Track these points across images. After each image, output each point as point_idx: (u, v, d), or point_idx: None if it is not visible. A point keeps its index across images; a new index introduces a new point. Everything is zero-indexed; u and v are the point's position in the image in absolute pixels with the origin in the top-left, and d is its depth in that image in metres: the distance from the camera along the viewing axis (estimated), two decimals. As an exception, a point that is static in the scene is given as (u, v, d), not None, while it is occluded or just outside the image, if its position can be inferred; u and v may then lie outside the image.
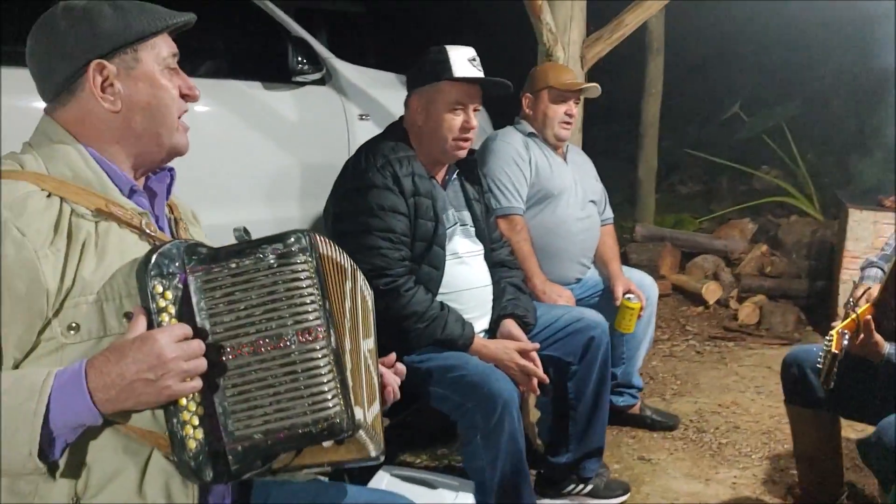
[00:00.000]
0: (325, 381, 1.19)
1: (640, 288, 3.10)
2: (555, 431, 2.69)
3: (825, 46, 7.02)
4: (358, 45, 7.74)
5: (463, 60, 2.34)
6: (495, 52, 4.20)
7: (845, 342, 2.03)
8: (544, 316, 2.59)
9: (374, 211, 2.23)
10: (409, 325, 2.20)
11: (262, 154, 3.58)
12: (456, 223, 2.42)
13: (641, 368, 3.82)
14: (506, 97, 2.53)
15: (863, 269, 2.52)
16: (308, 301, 1.19)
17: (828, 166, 6.70)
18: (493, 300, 2.47)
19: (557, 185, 2.99)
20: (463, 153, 2.40)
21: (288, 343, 1.17)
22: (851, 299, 2.19)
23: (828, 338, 2.04)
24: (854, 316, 2.11)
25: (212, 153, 3.15)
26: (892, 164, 5.69)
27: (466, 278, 2.39)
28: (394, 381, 1.54)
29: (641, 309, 3.02)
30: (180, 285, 1.16)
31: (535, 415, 2.99)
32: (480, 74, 2.36)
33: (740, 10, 6.94)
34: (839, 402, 2.32)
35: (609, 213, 3.25)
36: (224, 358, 1.16)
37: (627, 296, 3.02)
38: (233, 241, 1.26)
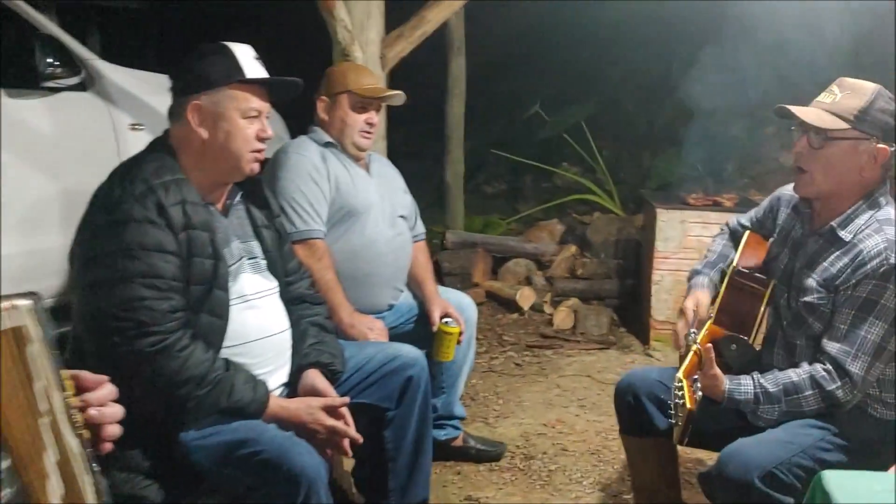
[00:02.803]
0: None
1: (458, 310, 2.83)
2: (373, 487, 2.35)
3: (617, 46, 7.20)
4: (136, 44, 7.04)
5: (250, 59, 1.95)
6: (285, 52, 3.77)
7: (698, 394, 1.82)
8: (354, 358, 2.23)
9: (133, 252, 1.77)
10: (187, 394, 1.77)
11: (9, 173, 3.01)
12: (242, 258, 2.00)
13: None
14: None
15: (690, 279, 2.37)
16: None
17: (623, 162, 6.86)
18: (293, 346, 2.08)
19: (362, 201, 2.64)
20: (257, 167, 2.00)
21: None
22: (693, 331, 2.01)
23: (677, 384, 1.82)
24: (696, 348, 1.93)
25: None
26: (684, 160, 5.87)
27: (258, 325, 1.98)
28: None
29: (461, 334, 2.75)
30: None
31: (349, 463, 2.64)
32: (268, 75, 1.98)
33: (537, 11, 6.94)
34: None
35: (421, 229, 2.95)
36: None
37: (445, 320, 2.73)
38: None
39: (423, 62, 6.40)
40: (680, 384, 1.80)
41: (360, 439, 1.97)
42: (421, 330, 2.79)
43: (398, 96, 2.74)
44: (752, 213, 2.39)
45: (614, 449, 3.07)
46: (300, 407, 1.92)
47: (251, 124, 1.92)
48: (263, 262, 2.07)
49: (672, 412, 1.78)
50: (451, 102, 5.16)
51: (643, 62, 7.13)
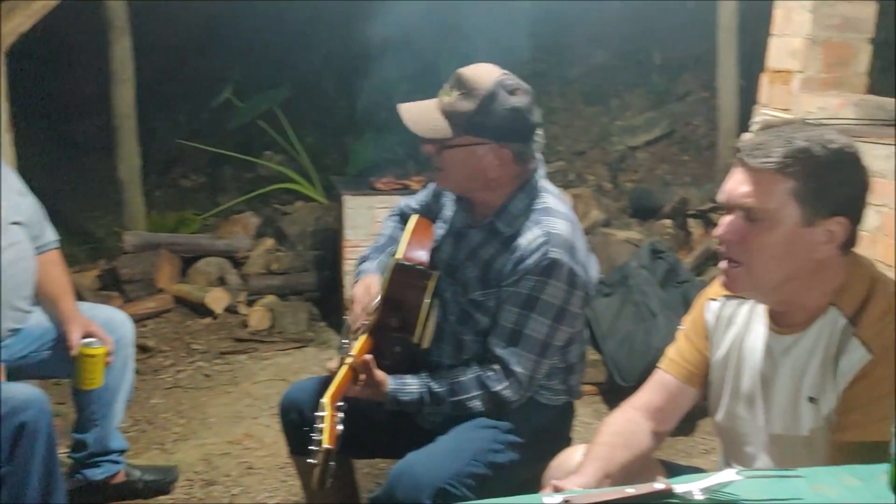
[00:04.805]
0: None
1: (107, 327, 2.43)
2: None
3: (312, 30, 6.97)
4: None
5: None
6: None
7: (340, 427, 1.56)
8: (-59, 407, 1.77)
9: None
10: None
11: None
12: None
13: (138, 412, 3.19)
14: None
15: (360, 263, 2.17)
16: None
17: (327, 148, 6.69)
18: None
19: (-45, 209, 2.14)
20: None
21: None
22: (344, 342, 1.79)
23: (319, 413, 1.56)
24: (351, 361, 1.71)
25: None
26: (383, 143, 5.79)
27: None
28: None
29: (108, 354, 2.35)
30: None
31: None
32: None
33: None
34: (345, 441, 1.92)
35: (50, 237, 2.49)
36: None
37: (87, 341, 2.32)
38: None
39: (85, 45, 5.72)
40: (323, 413, 1.55)
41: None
42: (61, 356, 2.36)
43: None
44: (422, 195, 2.24)
45: (305, 459, 2.83)
46: None
47: None
48: None
49: (312, 447, 1.53)
50: (117, 89, 4.56)
51: (342, 46, 6.98)
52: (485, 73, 1.82)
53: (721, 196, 1.41)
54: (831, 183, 1.33)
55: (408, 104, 1.85)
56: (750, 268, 1.37)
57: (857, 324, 1.35)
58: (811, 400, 1.40)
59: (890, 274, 2.33)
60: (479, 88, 1.79)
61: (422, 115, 1.82)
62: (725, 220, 1.39)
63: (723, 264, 1.42)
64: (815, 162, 1.32)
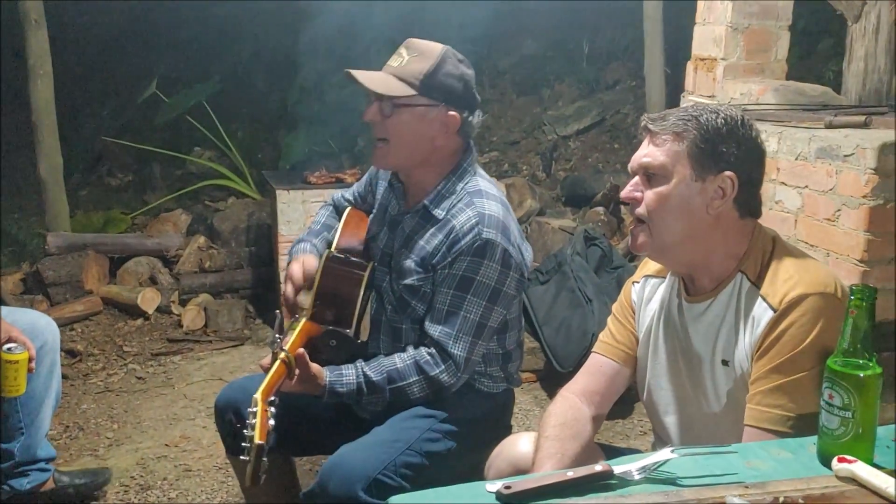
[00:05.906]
0: None
1: (31, 332, 2.32)
2: None
3: (241, 23, 6.86)
4: None
5: None
6: None
7: (271, 422, 1.53)
8: None
9: None
10: None
11: None
12: None
13: (68, 419, 3.10)
14: None
15: (294, 245, 2.13)
16: None
17: (259, 142, 6.60)
18: None
19: None
20: None
21: None
22: (277, 336, 1.76)
23: (252, 408, 1.53)
24: (284, 356, 1.68)
25: None
26: (315, 137, 5.73)
27: None
28: None
29: (31, 360, 2.26)
30: None
31: None
32: None
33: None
34: (284, 439, 1.89)
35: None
36: None
37: (7, 347, 2.22)
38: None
39: (4, 41, 5.51)
40: (254, 409, 1.52)
41: None
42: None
43: None
44: (355, 187, 2.22)
45: (244, 459, 2.78)
46: None
47: None
48: None
49: (245, 444, 1.50)
50: (35, 84, 4.39)
51: (271, 39, 6.88)
52: (433, 43, 1.86)
53: (629, 165, 1.52)
54: (719, 142, 1.43)
55: (356, 70, 1.84)
56: (651, 225, 1.46)
57: (760, 284, 1.43)
58: (724, 363, 1.46)
59: (812, 254, 2.41)
60: (432, 52, 1.83)
61: (376, 76, 1.83)
62: (630, 182, 1.50)
63: (631, 227, 1.51)
64: (705, 126, 1.43)
